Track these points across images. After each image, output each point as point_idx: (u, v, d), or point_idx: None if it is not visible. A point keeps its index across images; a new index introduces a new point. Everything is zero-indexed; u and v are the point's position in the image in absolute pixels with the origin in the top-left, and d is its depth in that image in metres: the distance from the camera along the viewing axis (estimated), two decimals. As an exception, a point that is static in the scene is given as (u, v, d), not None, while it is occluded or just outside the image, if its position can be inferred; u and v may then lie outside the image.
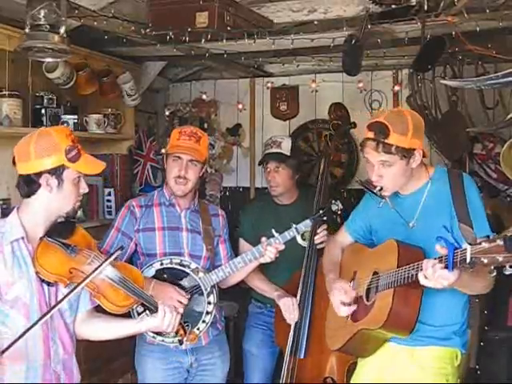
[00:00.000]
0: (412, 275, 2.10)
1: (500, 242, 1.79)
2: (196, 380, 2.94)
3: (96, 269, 2.12)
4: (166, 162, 2.91)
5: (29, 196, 2.16)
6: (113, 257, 2.17)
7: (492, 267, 1.83)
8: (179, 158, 2.83)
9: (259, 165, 3.55)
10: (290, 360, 3.05)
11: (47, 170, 2.10)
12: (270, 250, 2.77)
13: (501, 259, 1.78)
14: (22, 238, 2.11)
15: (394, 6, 3.02)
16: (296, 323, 3.03)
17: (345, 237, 2.74)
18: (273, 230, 2.79)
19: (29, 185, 2.14)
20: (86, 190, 2.24)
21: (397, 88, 4.55)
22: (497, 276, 2.24)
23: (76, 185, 2.18)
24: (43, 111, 3.48)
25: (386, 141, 2.24)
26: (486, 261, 1.82)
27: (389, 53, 3.95)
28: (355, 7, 3.18)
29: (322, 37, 3.40)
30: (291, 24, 3.43)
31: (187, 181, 2.83)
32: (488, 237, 2.27)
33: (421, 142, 2.32)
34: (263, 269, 3.25)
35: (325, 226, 3.08)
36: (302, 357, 3.03)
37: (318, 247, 3.08)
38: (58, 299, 2.15)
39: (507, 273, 1.79)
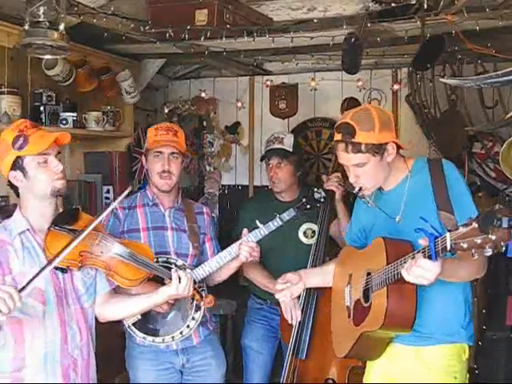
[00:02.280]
0: (400, 272, 2.07)
1: (475, 225, 1.77)
2: (192, 382, 2.91)
3: (98, 216, 2.24)
4: (147, 160, 2.93)
5: (18, 195, 2.27)
6: (119, 199, 2.29)
7: (473, 250, 1.79)
8: (160, 152, 2.85)
9: (261, 160, 3.55)
10: (292, 360, 3.04)
11: (10, 170, 2.20)
12: (243, 248, 2.76)
13: (479, 241, 1.76)
14: (28, 229, 2.21)
15: (393, 5, 3.01)
16: (299, 323, 3.01)
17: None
18: (257, 221, 2.79)
19: (11, 188, 2.27)
20: (60, 167, 2.22)
21: (396, 87, 4.54)
22: (495, 275, 2.23)
23: (42, 166, 2.19)
24: (42, 108, 3.47)
25: (353, 140, 2.22)
26: (465, 245, 1.80)
27: (388, 51, 3.95)
28: (355, 5, 3.17)
29: (322, 35, 3.39)
30: (291, 22, 3.42)
31: (171, 175, 2.85)
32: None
33: (392, 134, 2.29)
34: (265, 267, 3.25)
35: (337, 174, 3.11)
36: (303, 357, 3.03)
37: (330, 188, 3.10)
38: (74, 285, 2.25)
39: (487, 254, 1.77)
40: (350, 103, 3.47)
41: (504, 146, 2.96)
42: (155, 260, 2.74)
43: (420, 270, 1.97)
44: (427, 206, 2.26)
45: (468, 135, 4.10)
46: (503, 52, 3.22)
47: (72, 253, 2.16)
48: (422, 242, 1.97)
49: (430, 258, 1.93)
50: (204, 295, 2.58)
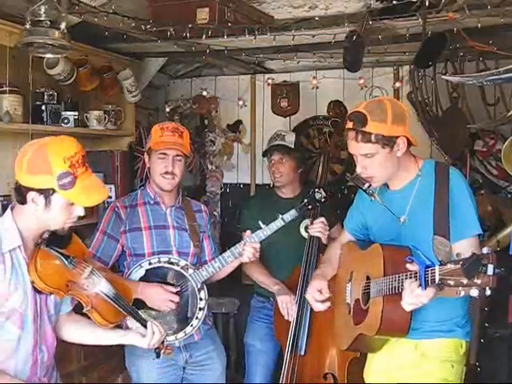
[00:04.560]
0: (395, 287, 2.09)
1: (459, 266, 1.79)
2: (196, 376, 2.94)
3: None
4: (150, 159, 2.90)
5: (21, 203, 2.06)
6: None
7: (460, 289, 1.81)
8: (165, 154, 2.83)
9: (263, 156, 3.61)
10: (291, 357, 3.05)
11: (35, 189, 1.98)
12: (247, 249, 2.78)
13: (465, 282, 1.78)
14: (19, 246, 2.05)
15: (395, 2, 3.01)
16: (296, 320, 3.03)
17: (344, 235, 2.74)
18: (260, 222, 2.81)
19: (19, 194, 2.04)
20: (82, 214, 2.07)
21: (398, 84, 4.53)
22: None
23: (68, 208, 2.04)
24: (43, 107, 3.46)
25: (364, 129, 2.22)
26: (452, 283, 1.82)
27: (390, 49, 3.93)
28: (356, 3, 3.17)
29: (323, 33, 3.38)
30: (292, 20, 3.42)
31: (174, 176, 2.85)
32: (479, 236, 2.28)
33: (404, 129, 2.27)
34: (266, 261, 3.26)
35: (322, 219, 3.07)
36: (302, 354, 3.04)
37: (315, 235, 3.08)
38: (48, 307, 2.16)
39: (473, 294, 1.78)
40: (336, 106, 3.51)
41: (506, 143, 2.95)
42: (157, 259, 2.78)
43: (413, 299, 2.00)
44: (428, 216, 2.25)
45: (470, 133, 4.09)
46: (505, 49, 3.21)
47: (60, 282, 2.09)
48: (410, 267, 2.00)
49: (419, 285, 1.95)
50: (165, 345, 2.37)
